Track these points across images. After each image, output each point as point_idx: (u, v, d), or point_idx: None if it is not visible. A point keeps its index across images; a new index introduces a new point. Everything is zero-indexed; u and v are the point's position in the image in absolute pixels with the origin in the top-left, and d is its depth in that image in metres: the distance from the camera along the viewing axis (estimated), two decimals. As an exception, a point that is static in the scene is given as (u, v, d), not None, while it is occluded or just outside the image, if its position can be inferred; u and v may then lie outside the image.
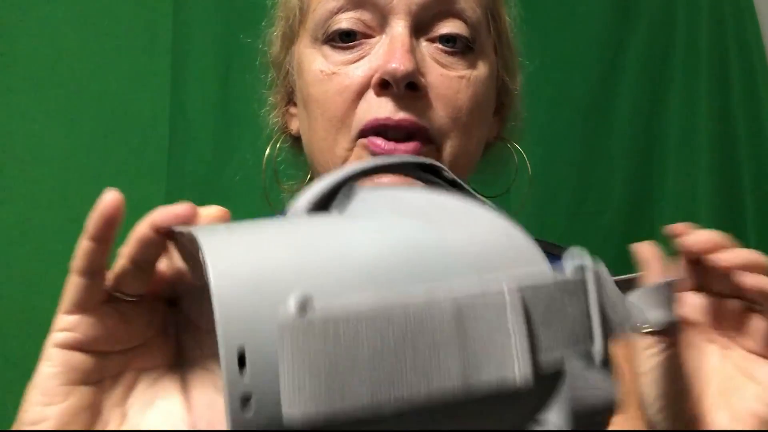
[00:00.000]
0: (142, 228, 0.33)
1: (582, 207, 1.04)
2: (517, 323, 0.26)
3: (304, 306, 0.23)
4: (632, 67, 1.07)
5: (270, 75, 0.65)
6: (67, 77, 0.94)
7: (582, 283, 0.29)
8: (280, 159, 0.65)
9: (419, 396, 0.24)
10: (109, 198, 0.33)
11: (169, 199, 0.94)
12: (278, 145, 0.64)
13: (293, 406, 0.23)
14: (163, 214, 0.33)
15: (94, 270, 0.33)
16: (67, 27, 0.95)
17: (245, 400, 0.23)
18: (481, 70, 0.55)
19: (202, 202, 0.94)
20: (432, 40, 0.53)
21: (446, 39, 0.53)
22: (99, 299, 0.33)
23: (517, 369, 0.25)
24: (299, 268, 0.25)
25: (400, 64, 0.49)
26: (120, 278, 0.34)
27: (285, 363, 0.23)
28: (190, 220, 0.33)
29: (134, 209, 1.04)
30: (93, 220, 0.33)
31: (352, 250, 0.27)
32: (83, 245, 0.33)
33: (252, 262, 0.25)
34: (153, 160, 0.95)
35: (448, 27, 0.53)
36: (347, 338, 0.23)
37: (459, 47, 0.54)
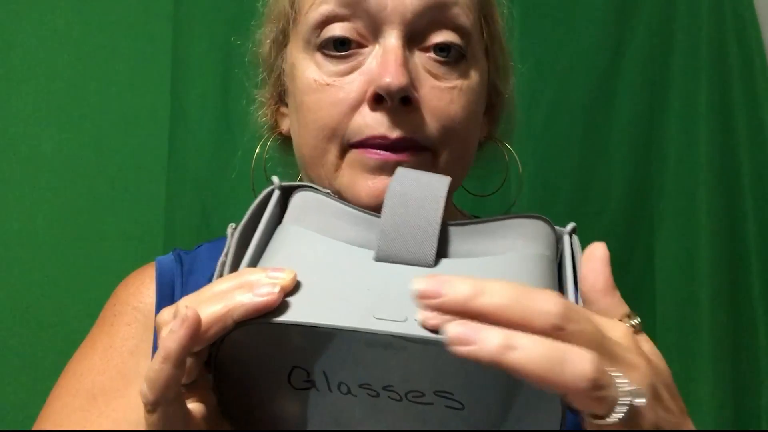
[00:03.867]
0: (220, 322, 0.34)
1: (582, 207, 1.04)
2: None
3: None
4: (632, 68, 1.06)
5: (260, 74, 0.65)
6: (67, 77, 0.95)
7: None
8: (269, 158, 0.65)
9: None
10: (192, 318, 0.33)
11: (169, 200, 0.94)
12: (268, 145, 0.64)
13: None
14: (247, 308, 0.34)
15: (177, 393, 0.34)
16: (66, 27, 0.95)
17: None
18: (473, 78, 0.55)
19: (202, 202, 0.95)
20: (425, 50, 0.53)
21: (440, 48, 0.53)
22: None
23: None
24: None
25: (394, 78, 0.49)
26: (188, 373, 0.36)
27: None
28: (273, 305, 0.34)
29: (134, 209, 1.05)
30: (178, 348, 0.32)
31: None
32: (168, 373, 0.33)
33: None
34: (153, 160, 0.96)
35: (442, 36, 0.53)
36: None
37: (452, 56, 0.53)
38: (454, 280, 0.32)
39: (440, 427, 0.36)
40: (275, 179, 0.47)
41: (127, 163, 0.95)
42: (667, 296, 1.03)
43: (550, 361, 0.29)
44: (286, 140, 0.63)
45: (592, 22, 1.06)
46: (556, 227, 0.44)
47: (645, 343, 0.37)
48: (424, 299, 0.32)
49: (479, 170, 0.66)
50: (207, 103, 0.96)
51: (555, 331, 0.31)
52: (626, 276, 1.02)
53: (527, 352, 0.29)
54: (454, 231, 0.41)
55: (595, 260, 0.37)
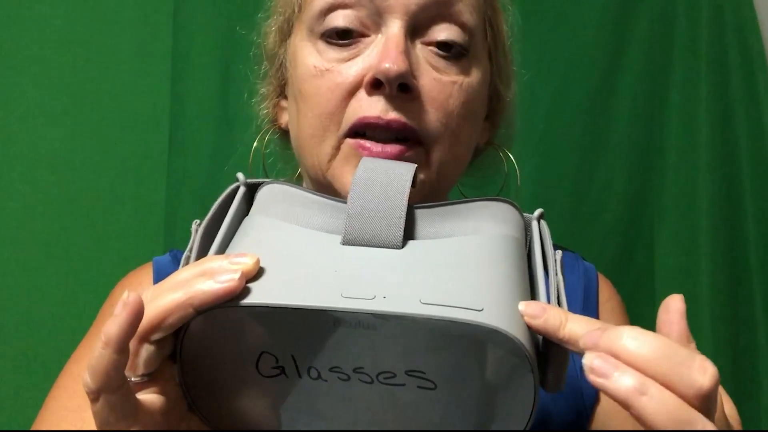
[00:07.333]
0: (180, 310, 0.34)
1: (582, 207, 1.04)
2: None
3: None
4: (632, 68, 1.07)
5: (263, 66, 0.65)
6: (67, 77, 0.94)
7: None
8: (268, 152, 0.65)
9: None
10: (133, 302, 0.32)
11: (169, 200, 0.94)
12: (266, 138, 0.64)
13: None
14: (207, 296, 0.33)
15: (121, 382, 0.33)
16: (67, 27, 0.95)
17: None
18: (474, 76, 0.55)
19: (202, 202, 0.95)
20: (427, 44, 0.53)
21: (442, 45, 0.53)
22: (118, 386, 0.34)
23: None
24: None
25: (393, 63, 0.49)
26: (146, 363, 0.35)
27: None
28: (235, 292, 0.34)
29: (134, 210, 1.05)
30: (118, 332, 0.32)
31: None
32: (108, 359, 0.32)
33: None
34: (153, 160, 0.96)
35: (445, 32, 0.53)
36: None
37: (454, 53, 0.53)
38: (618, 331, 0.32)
39: (414, 410, 0.36)
40: (240, 176, 0.46)
41: (127, 163, 0.95)
42: (667, 296, 1.03)
43: (676, 421, 0.30)
44: (284, 135, 0.64)
45: (592, 22, 1.06)
46: (525, 214, 0.45)
47: None
48: (589, 349, 0.32)
49: (478, 177, 0.66)
50: (207, 102, 0.96)
51: (694, 402, 0.31)
52: (626, 276, 1.02)
53: (657, 403, 0.30)
54: (421, 213, 0.42)
55: (669, 312, 0.38)
